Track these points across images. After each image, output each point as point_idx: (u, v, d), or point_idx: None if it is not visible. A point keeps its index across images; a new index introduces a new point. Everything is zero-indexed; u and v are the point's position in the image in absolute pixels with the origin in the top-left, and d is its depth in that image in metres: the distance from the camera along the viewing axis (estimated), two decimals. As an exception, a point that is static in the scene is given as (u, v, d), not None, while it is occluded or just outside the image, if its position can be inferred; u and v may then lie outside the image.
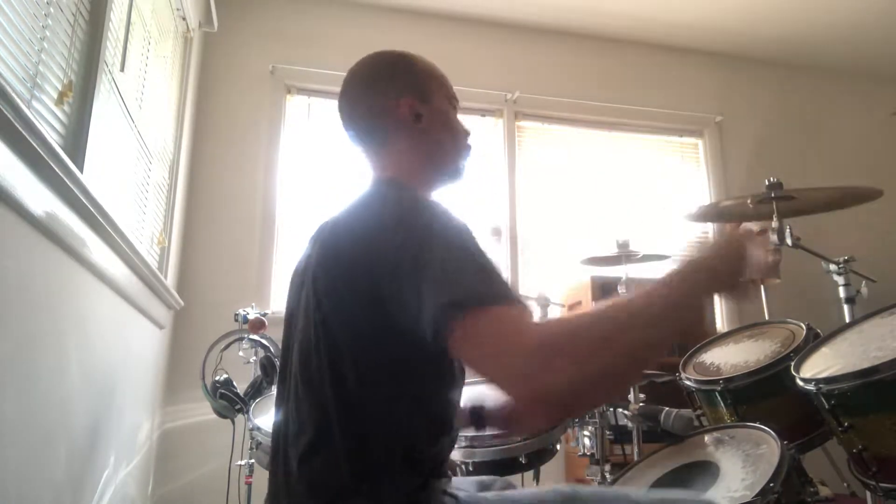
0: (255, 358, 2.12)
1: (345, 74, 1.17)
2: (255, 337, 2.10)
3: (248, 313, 2.16)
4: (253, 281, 2.96)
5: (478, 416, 1.29)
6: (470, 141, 1.15)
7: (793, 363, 1.61)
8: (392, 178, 1.07)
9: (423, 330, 0.78)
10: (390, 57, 1.13)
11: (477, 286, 0.76)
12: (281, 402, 1.03)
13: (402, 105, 1.07)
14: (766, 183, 2.11)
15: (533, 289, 3.05)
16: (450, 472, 1.03)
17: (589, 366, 0.70)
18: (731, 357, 1.96)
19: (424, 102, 1.09)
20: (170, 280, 2.63)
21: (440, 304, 0.76)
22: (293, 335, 1.03)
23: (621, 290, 2.42)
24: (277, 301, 2.96)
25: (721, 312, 3.57)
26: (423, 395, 0.93)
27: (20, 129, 1.01)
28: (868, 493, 1.75)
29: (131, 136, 2.05)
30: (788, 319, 2.00)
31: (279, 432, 1.01)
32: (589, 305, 2.84)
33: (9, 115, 0.97)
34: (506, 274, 3.31)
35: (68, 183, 1.23)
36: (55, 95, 1.38)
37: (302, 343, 0.98)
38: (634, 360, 0.74)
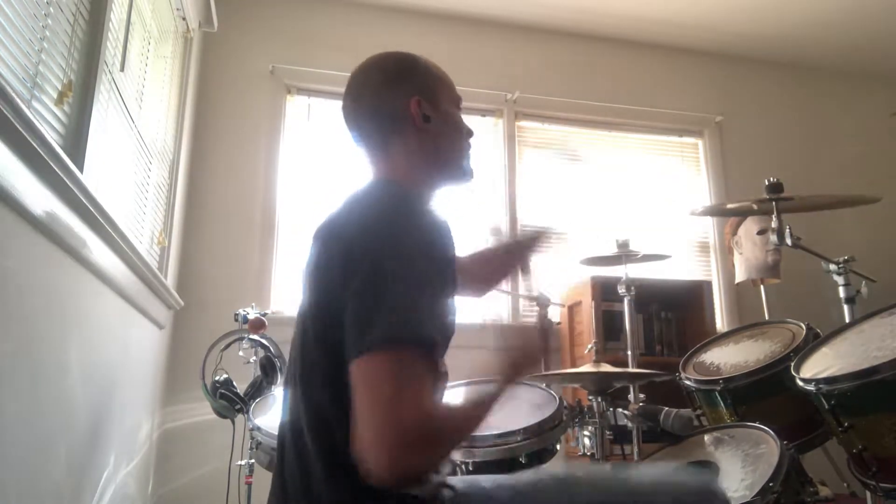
0: (255, 358, 2.12)
1: (344, 74, 1.17)
2: (255, 337, 2.10)
3: (248, 313, 2.16)
4: (253, 281, 2.96)
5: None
6: (472, 140, 1.17)
7: (793, 363, 1.61)
8: (392, 179, 1.07)
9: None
10: (397, 58, 1.14)
11: (397, 322, 0.81)
12: (285, 404, 1.04)
13: (412, 106, 1.08)
14: (766, 183, 2.11)
15: (533, 289, 3.05)
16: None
17: (434, 461, 0.85)
18: (731, 357, 1.96)
19: (433, 105, 1.10)
20: (170, 280, 2.63)
21: (360, 328, 0.82)
22: (299, 339, 1.04)
23: (621, 290, 2.42)
24: (277, 301, 2.97)
25: (721, 312, 3.58)
26: None
27: (20, 129, 1.01)
28: (868, 493, 1.75)
29: (131, 136, 2.05)
30: (788, 319, 2.00)
31: (283, 433, 1.01)
32: (589, 305, 2.84)
33: (9, 115, 0.97)
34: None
35: (68, 183, 1.23)
36: (55, 95, 1.38)
37: (297, 345, 0.99)
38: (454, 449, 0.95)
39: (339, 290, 0.89)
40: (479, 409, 0.92)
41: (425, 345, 0.82)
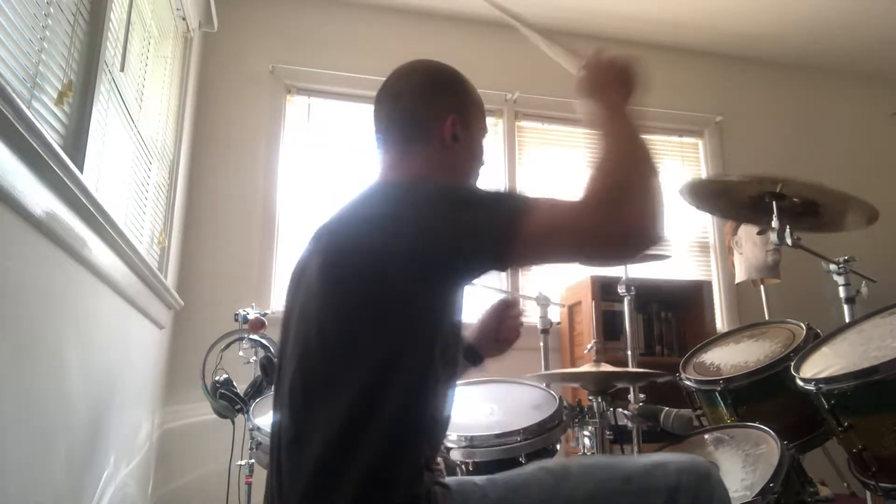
0: (255, 358, 2.12)
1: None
2: (255, 337, 2.10)
3: (248, 313, 2.16)
4: (253, 281, 2.96)
5: (472, 353, 1.34)
6: (482, 171, 1.20)
7: (793, 363, 1.61)
8: (411, 181, 1.07)
9: (483, 261, 0.91)
10: (446, 71, 1.18)
11: (525, 199, 0.92)
12: (276, 404, 1.03)
13: (448, 122, 1.10)
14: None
15: (533, 289, 3.05)
16: (440, 465, 1.03)
17: (629, 194, 0.90)
18: (731, 357, 1.96)
19: (465, 127, 1.12)
20: (170, 280, 2.63)
21: (506, 216, 0.89)
22: (289, 338, 1.03)
23: (621, 290, 2.41)
24: (277, 301, 2.96)
25: (721, 313, 3.57)
26: (412, 394, 0.93)
27: (20, 129, 1.01)
28: (868, 493, 1.75)
29: (131, 136, 2.05)
30: (788, 319, 2.00)
31: (275, 435, 1.01)
32: (589, 305, 2.84)
33: (9, 115, 0.97)
34: (506, 274, 3.32)
35: (68, 183, 1.23)
36: (55, 95, 1.38)
37: (296, 345, 0.98)
38: (641, 167, 0.94)
39: (396, 281, 0.91)
40: (620, 133, 0.99)
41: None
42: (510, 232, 0.88)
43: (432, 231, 0.91)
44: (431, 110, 1.11)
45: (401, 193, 1.01)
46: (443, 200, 0.94)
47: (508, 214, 0.89)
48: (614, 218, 0.88)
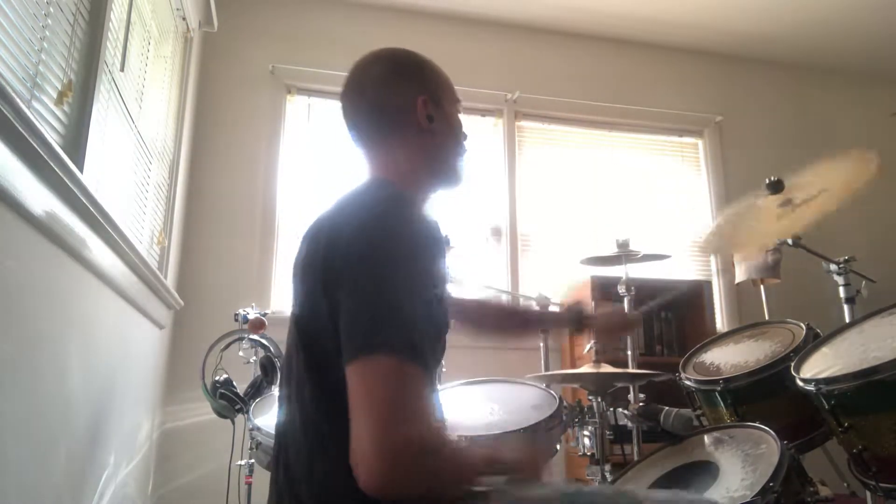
0: (255, 358, 2.12)
1: (344, 74, 1.16)
2: (255, 337, 2.10)
3: (248, 313, 2.16)
4: (253, 281, 2.96)
5: (577, 317, 1.53)
6: (466, 144, 1.16)
7: (793, 363, 1.61)
8: (387, 178, 1.06)
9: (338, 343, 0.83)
10: (403, 54, 1.12)
11: (395, 335, 0.80)
12: (282, 404, 1.03)
13: (419, 105, 1.06)
14: (766, 182, 2.11)
15: (533, 289, 3.05)
16: None
17: (426, 484, 0.78)
18: (731, 357, 1.96)
19: (436, 104, 1.09)
20: (170, 280, 2.63)
21: (358, 333, 0.81)
22: (293, 337, 1.03)
23: (621, 289, 2.42)
24: (277, 301, 2.97)
25: (721, 312, 3.57)
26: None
27: (20, 129, 1.01)
28: (868, 493, 1.75)
29: (131, 136, 2.05)
30: (788, 319, 2.00)
31: (281, 435, 1.01)
32: (589, 305, 2.84)
33: (9, 115, 0.97)
34: (507, 274, 3.31)
35: (68, 183, 1.23)
36: (55, 95, 1.38)
37: (299, 344, 0.98)
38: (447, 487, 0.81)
39: (322, 293, 0.88)
40: (476, 466, 0.84)
41: (415, 351, 0.80)
42: (368, 351, 0.79)
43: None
44: (399, 97, 1.07)
45: (383, 208, 0.95)
46: (389, 254, 0.86)
47: (390, 337, 0.79)
48: (400, 478, 0.75)
